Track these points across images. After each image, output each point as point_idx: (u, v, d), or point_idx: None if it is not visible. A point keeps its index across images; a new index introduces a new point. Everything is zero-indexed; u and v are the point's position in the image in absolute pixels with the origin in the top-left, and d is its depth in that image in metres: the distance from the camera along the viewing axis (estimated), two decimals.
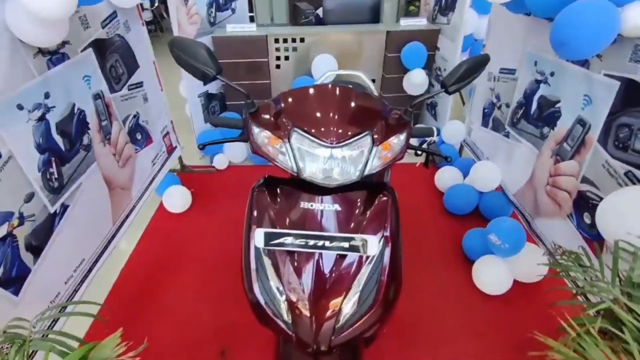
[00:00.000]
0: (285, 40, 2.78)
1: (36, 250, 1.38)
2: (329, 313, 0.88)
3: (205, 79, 0.98)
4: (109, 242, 1.83)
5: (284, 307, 0.89)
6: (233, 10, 2.99)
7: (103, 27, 1.81)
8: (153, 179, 2.30)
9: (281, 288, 0.90)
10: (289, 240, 0.86)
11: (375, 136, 0.88)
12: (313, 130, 0.86)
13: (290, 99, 0.95)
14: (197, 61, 0.95)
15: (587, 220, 1.57)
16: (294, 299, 0.88)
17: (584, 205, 1.58)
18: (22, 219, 1.31)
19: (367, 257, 0.89)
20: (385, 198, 0.93)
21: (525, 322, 1.72)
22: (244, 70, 2.77)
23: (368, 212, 0.91)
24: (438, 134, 1.09)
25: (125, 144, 2.00)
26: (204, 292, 1.88)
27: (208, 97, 2.91)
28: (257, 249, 0.93)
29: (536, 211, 1.92)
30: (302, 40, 2.79)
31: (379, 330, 0.96)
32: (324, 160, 0.86)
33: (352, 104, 0.91)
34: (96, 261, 1.72)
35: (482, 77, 2.47)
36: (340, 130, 0.85)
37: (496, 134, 2.30)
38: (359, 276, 0.89)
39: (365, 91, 1.07)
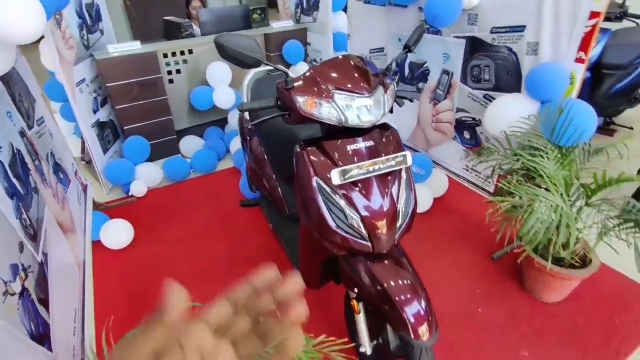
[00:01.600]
0: (173, 54, 2.79)
1: (44, 302, 1.22)
2: (392, 219, 1.20)
3: (256, 65, 1.14)
4: (83, 289, 1.64)
5: (361, 225, 1.17)
6: (102, 32, 2.79)
7: None
8: (85, 220, 2.07)
9: (355, 213, 1.17)
10: (356, 171, 1.14)
11: (383, 86, 1.23)
12: (348, 88, 1.15)
13: (320, 70, 1.20)
14: (249, 50, 1.10)
15: (467, 136, 2.30)
16: (368, 216, 1.17)
17: (462, 127, 2.31)
18: (25, 271, 1.15)
19: (401, 170, 1.25)
20: (393, 130, 1.30)
21: (450, 219, 2.37)
22: (138, 90, 2.66)
23: (389, 140, 1.26)
24: (396, 85, 1.50)
25: (57, 184, 1.78)
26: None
27: (101, 126, 2.67)
28: (323, 193, 1.17)
29: (428, 144, 2.61)
30: (190, 52, 2.86)
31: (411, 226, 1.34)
32: (361, 108, 1.16)
33: (362, 66, 1.23)
34: (83, 308, 1.54)
35: None
36: (365, 85, 1.17)
37: None
38: (401, 186, 1.24)
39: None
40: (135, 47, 2.61)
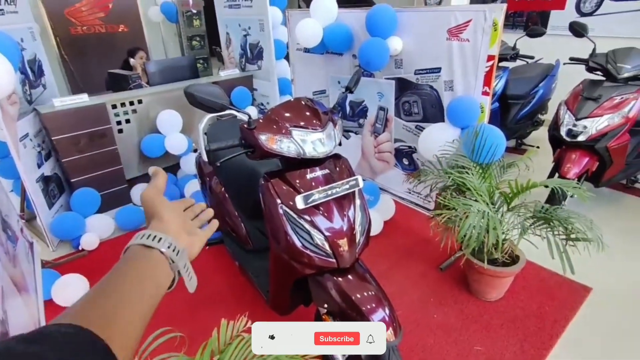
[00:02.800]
0: (123, 105, 2.84)
1: None
2: (351, 236, 1.36)
3: (223, 109, 1.28)
4: None
5: (325, 244, 1.32)
6: (44, 87, 2.77)
7: None
8: (35, 278, 1.96)
9: (320, 234, 1.31)
10: (317, 196, 1.30)
11: (332, 122, 1.43)
12: (304, 125, 1.33)
13: (278, 112, 1.37)
14: (215, 97, 1.24)
15: (406, 162, 2.59)
16: (331, 236, 1.32)
17: (400, 155, 2.60)
18: None
19: (355, 195, 1.43)
20: (344, 159, 1.50)
21: (400, 239, 2.59)
22: (87, 142, 2.64)
23: (341, 168, 1.45)
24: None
25: (7, 240, 1.71)
26: None
27: (45, 181, 2.58)
28: (289, 218, 1.31)
29: (373, 173, 2.88)
30: (139, 102, 2.92)
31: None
32: (315, 142, 1.34)
33: (314, 106, 1.43)
34: None
35: None
36: (317, 122, 1.36)
37: None
38: (356, 208, 1.41)
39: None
40: (82, 99, 2.62)
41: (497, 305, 1.98)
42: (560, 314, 1.90)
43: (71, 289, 2.06)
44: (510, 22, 4.73)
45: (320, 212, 1.34)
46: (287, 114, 1.37)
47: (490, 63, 1.89)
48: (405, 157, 2.57)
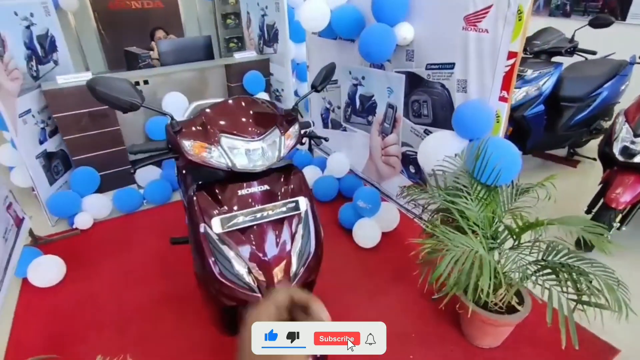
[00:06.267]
0: None
1: None
2: (284, 268, 1.13)
3: (133, 109, 1.10)
4: None
5: (248, 277, 1.10)
6: (56, 62, 2.79)
7: None
8: (9, 257, 1.98)
9: (242, 263, 1.10)
10: (241, 219, 1.09)
11: (281, 129, 1.20)
12: (236, 132, 1.11)
13: (209, 113, 1.16)
14: (123, 94, 1.07)
15: (412, 170, 2.26)
16: (255, 267, 1.10)
17: (407, 161, 2.27)
18: None
19: (298, 216, 1.19)
20: (298, 173, 1.26)
21: (397, 255, 2.29)
22: (88, 120, 2.63)
23: (289, 183, 1.21)
24: (313, 125, 1.47)
25: None
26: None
27: (48, 157, 2.62)
28: (210, 240, 1.11)
29: (380, 177, 2.57)
30: (145, 82, 2.85)
31: (316, 276, 1.27)
32: (250, 152, 1.12)
33: (257, 109, 1.20)
34: None
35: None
36: (256, 129, 1.13)
37: (336, 131, 2.91)
38: (297, 232, 1.18)
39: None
40: (85, 77, 2.59)
41: (492, 355, 1.64)
42: None
43: (45, 269, 2.06)
44: (582, 6, 4.01)
45: (247, 237, 1.12)
46: (221, 117, 1.16)
47: (511, 62, 1.50)
48: (412, 164, 2.23)
